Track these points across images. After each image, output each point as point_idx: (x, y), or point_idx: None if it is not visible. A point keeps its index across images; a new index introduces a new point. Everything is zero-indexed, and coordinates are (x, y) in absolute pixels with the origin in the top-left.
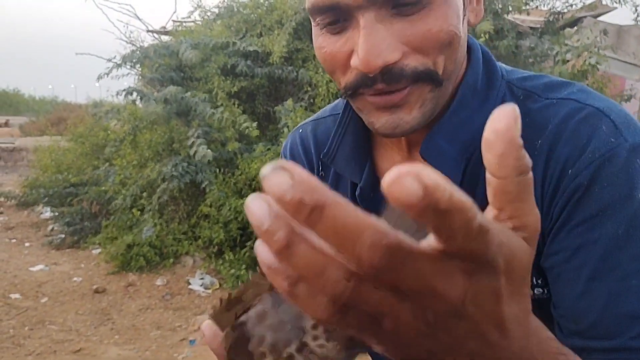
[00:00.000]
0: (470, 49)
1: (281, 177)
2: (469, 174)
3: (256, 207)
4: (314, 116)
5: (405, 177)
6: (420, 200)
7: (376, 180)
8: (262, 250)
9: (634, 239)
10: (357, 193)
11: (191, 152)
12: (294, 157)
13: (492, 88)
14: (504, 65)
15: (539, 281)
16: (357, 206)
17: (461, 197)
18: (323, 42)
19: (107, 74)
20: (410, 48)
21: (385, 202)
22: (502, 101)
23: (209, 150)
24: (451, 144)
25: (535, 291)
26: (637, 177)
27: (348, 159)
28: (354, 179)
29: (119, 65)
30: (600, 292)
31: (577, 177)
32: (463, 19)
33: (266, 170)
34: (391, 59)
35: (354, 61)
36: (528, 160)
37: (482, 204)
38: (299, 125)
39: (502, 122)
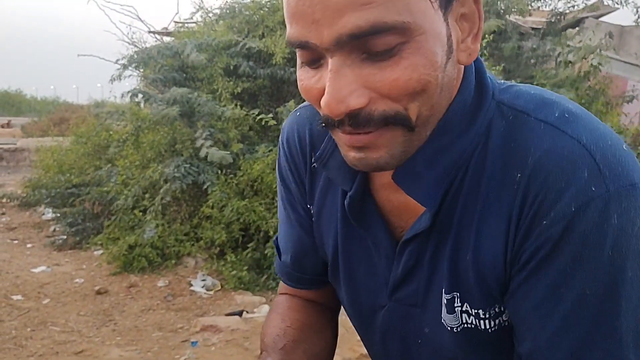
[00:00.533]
0: (465, 68)
1: None
2: (450, 197)
3: None
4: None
5: None
6: None
7: (367, 190)
8: None
9: (598, 299)
10: (346, 202)
11: (201, 154)
12: (288, 143)
13: (480, 109)
14: (497, 81)
15: (492, 311)
16: (345, 214)
17: None
18: (301, 75)
19: (119, 77)
20: (379, 94)
21: (373, 213)
22: (490, 123)
23: (227, 152)
24: (429, 168)
25: (487, 324)
26: (609, 233)
27: (340, 166)
28: (345, 187)
29: (126, 67)
30: (562, 347)
31: (549, 228)
32: (447, 62)
33: None
34: (355, 105)
35: (322, 104)
36: None
37: (459, 229)
38: (299, 106)
39: None
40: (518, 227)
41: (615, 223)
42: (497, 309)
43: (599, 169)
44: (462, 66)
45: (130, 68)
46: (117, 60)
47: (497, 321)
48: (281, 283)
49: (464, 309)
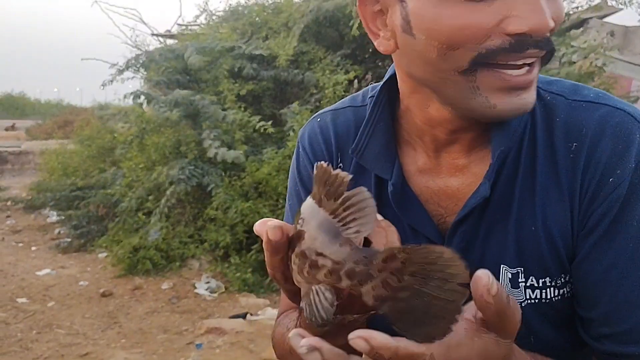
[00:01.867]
0: None
1: (315, 356)
2: (507, 171)
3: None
4: (332, 106)
5: (357, 339)
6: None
7: (403, 178)
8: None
9: None
10: (389, 190)
11: (209, 154)
12: (312, 146)
13: None
14: None
15: (559, 281)
16: (387, 201)
17: (407, 349)
18: (458, 11)
19: (111, 81)
20: (556, 21)
21: (413, 199)
22: None
23: (240, 152)
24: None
25: (552, 292)
26: None
27: (378, 155)
28: (384, 176)
29: (121, 71)
30: (638, 302)
31: (617, 186)
32: None
33: (302, 349)
34: (553, 25)
35: (519, 25)
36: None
37: (521, 202)
38: (316, 114)
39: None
40: (582, 191)
41: None
42: (564, 279)
43: None
44: None
45: (131, 70)
46: (113, 64)
47: (562, 291)
48: (282, 301)
49: (528, 283)
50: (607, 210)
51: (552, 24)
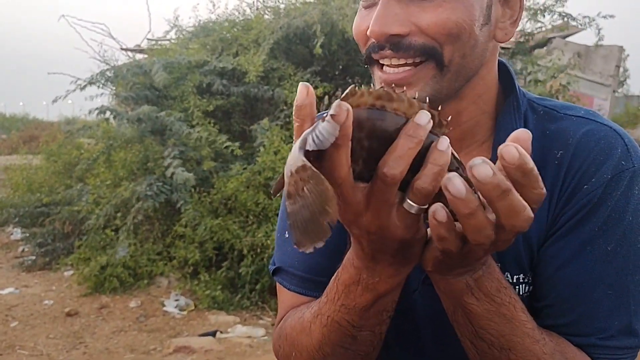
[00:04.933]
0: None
1: (487, 168)
2: None
3: (457, 182)
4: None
5: (510, 146)
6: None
7: None
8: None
9: (619, 255)
10: None
11: (167, 173)
12: None
13: (520, 101)
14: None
15: (530, 277)
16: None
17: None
18: (357, 17)
19: (63, 98)
20: (419, 29)
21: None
22: (525, 116)
23: (190, 174)
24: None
25: (523, 289)
26: (632, 201)
27: None
28: None
29: (84, 87)
30: (584, 298)
31: (590, 193)
32: (482, 26)
33: (477, 161)
34: (397, 31)
35: (369, 29)
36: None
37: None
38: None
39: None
40: (560, 193)
41: (637, 193)
42: (527, 277)
43: (627, 149)
44: (497, 47)
45: (96, 85)
46: (76, 80)
47: (531, 287)
48: (284, 302)
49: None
50: (575, 213)
51: (391, 29)
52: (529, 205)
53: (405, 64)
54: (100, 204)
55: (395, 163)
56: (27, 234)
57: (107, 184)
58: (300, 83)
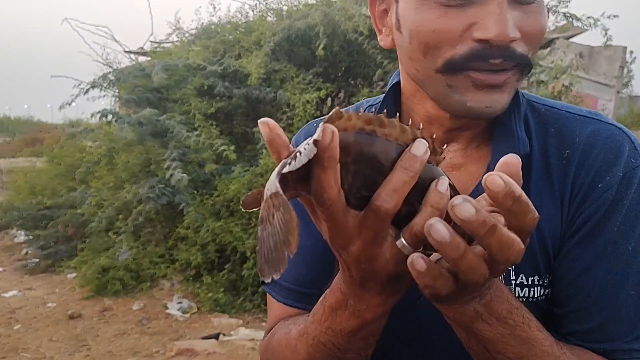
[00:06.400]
0: None
1: (468, 207)
2: None
3: (440, 227)
4: (328, 116)
5: (494, 175)
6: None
7: None
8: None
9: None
10: None
11: (167, 175)
12: None
13: (520, 100)
14: None
15: (546, 280)
16: None
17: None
18: (433, 15)
19: (70, 103)
20: (522, 35)
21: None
22: (525, 116)
23: (184, 175)
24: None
25: (539, 291)
26: None
27: None
28: None
29: (87, 90)
30: (610, 301)
31: (605, 192)
32: None
33: (458, 200)
34: (515, 36)
35: (483, 32)
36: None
37: None
38: (311, 121)
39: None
40: (572, 195)
41: None
42: (549, 278)
43: (635, 146)
44: None
45: (99, 88)
46: (79, 83)
47: (547, 291)
48: (273, 312)
49: (518, 281)
50: (592, 213)
51: (513, 34)
52: (524, 230)
53: (506, 69)
54: (103, 206)
55: (389, 197)
56: (30, 237)
57: (109, 187)
58: (259, 121)
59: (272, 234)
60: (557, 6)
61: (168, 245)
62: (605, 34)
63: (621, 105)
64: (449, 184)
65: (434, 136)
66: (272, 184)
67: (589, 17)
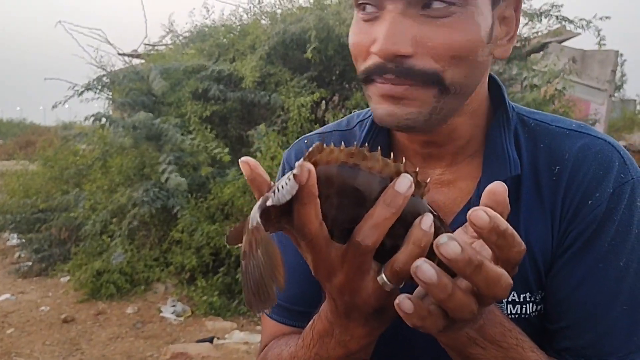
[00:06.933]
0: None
1: (454, 245)
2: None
3: (427, 268)
4: (318, 130)
5: (479, 210)
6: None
7: None
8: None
9: (631, 269)
10: None
11: (162, 179)
12: None
13: (509, 116)
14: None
15: (538, 297)
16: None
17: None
18: (355, 29)
19: (62, 104)
20: (424, 50)
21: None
22: (515, 131)
23: (182, 179)
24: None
25: (530, 308)
26: (636, 213)
27: None
28: None
29: (81, 93)
30: (602, 317)
31: (595, 208)
32: (487, 44)
33: (443, 239)
34: (404, 51)
35: (374, 47)
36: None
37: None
38: (302, 137)
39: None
40: (562, 212)
41: (639, 205)
42: (541, 295)
43: (624, 161)
44: (490, 62)
45: (93, 91)
46: (73, 85)
47: (539, 307)
48: (266, 330)
49: (510, 299)
50: (583, 230)
51: (403, 49)
52: (511, 262)
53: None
54: (97, 210)
55: (370, 232)
56: (24, 240)
57: (103, 190)
58: (240, 160)
59: (258, 267)
60: (549, 10)
61: (162, 248)
62: (598, 34)
63: (613, 109)
64: (435, 215)
65: (417, 169)
66: (254, 218)
67: (581, 19)
